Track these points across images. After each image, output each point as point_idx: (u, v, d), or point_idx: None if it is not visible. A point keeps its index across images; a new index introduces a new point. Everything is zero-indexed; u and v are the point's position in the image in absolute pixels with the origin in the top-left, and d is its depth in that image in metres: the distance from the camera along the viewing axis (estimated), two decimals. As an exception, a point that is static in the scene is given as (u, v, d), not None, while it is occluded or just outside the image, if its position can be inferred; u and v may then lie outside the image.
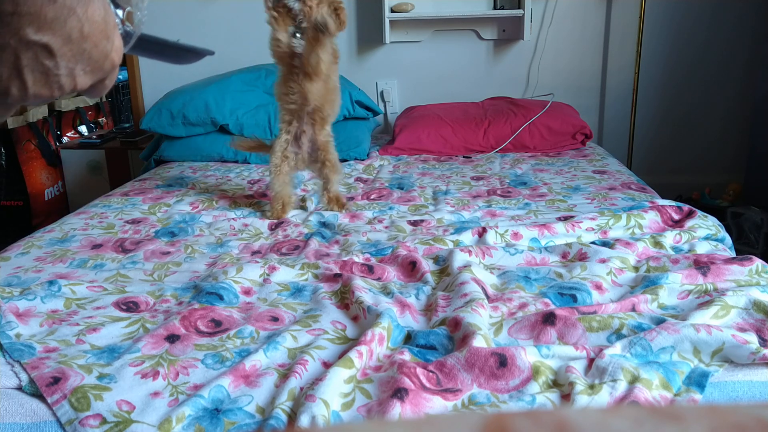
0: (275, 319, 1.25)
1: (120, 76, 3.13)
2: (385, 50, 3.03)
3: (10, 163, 2.87)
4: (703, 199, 2.89)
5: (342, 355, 1.09)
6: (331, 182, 1.91)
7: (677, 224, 1.64)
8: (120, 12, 0.52)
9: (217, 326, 1.22)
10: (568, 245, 1.52)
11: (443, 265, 1.46)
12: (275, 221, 1.82)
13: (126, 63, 3.03)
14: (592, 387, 0.98)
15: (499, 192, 2.05)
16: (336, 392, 0.98)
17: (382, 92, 3.08)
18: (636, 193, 1.98)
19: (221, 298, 1.31)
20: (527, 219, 1.77)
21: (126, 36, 0.53)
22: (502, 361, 1.02)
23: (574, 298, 1.27)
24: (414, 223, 1.76)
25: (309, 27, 1.74)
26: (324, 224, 1.80)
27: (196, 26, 3.02)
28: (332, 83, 1.87)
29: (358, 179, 2.28)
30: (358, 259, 1.51)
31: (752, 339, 1.07)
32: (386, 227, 1.74)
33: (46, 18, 0.45)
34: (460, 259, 1.44)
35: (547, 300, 1.26)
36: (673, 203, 1.69)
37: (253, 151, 2.19)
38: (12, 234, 2.41)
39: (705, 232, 1.56)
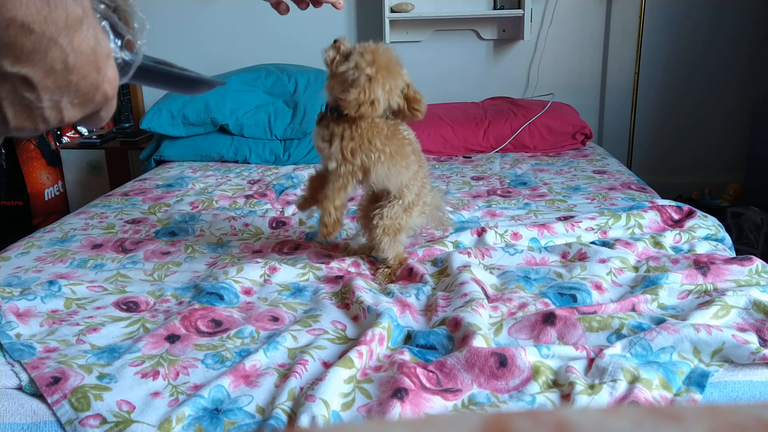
0: (275, 319, 1.25)
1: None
2: (385, 50, 3.03)
3: (10, 163, 2.86)
4: (703, 199, 2.89)
5: (342, 355, 1.09)
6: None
7: (677, 224, 1.64)
8: (119, 41, 0.49)
9: (218, 326, 1.22)
10: (568, 245, 1.52)
11: (442, 266, 1.46)
12: (276, 218, 1.82)
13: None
14: (592, 387, 0.98)
15: (499, 192, 2.05)
16: (336, 392, 0.98)
17: (382, 92, 3.08)
18: (636, 193, 1.98)
19: (221, 298, 1.31)
20: (527, 219, 1.77)
21: (125, 65, 0.50)
22: (502, 361, 1.02)
23: (574, 298, 1.27)
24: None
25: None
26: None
27: (196, 26, 3.02)
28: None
29: (358, 179, 2.28)
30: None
31: (752, 339, 1.07)
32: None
33: (23, 49, 0.41)
34: (459, 260, 1.44)
35: (547, 300, 1.26)
36: (673, 203, 1.69)
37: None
38: (12, 234, 2.41)
39: (705, 232, 1.56)
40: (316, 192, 1.43)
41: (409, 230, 1.49)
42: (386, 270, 1.45)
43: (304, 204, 1.49)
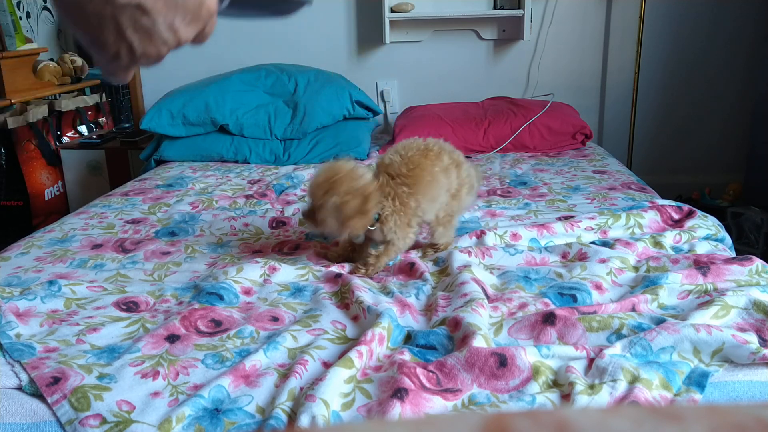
0: (275, 319, 1.25)
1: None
2: (385, 50, 3.03)
3: (10, 163, 2.86)
4: (703, 199, 2.89)
5: (342, 355, 1.09)
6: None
7: (677, 224, 1.64)
8: None
9: (217, 326, 1.22)
10: (568, 245, 1.52)
11: (443, 265, 1.46)
12: (276, 218, 1.82)
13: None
14: (592, 387, 0.98)
15: (499, 192, 2.05)
16: (336, 392, 0.98)
17: (382, 92, 3.08)
18: (636, 193, 1.98)
19: (221, 298, 1.31)
20: (527, 219, 1.77)
21: None
22: (502, 361, 1.02)
23: (574, 298, 1.27)
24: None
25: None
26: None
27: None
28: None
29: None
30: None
31: (752, 339, 1.07)
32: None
33: None
34: (459, 259, 1.44)
35: (547, 300, 1.26)
36: (673, 203, 1.69)
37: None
38: (12, 234, 2.41)
39: (705, 232, 1.56)
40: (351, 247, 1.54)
41: (462, 211, 1.62)
42: (431, 251, 1.55)
43: (341, 260, 1.54)
